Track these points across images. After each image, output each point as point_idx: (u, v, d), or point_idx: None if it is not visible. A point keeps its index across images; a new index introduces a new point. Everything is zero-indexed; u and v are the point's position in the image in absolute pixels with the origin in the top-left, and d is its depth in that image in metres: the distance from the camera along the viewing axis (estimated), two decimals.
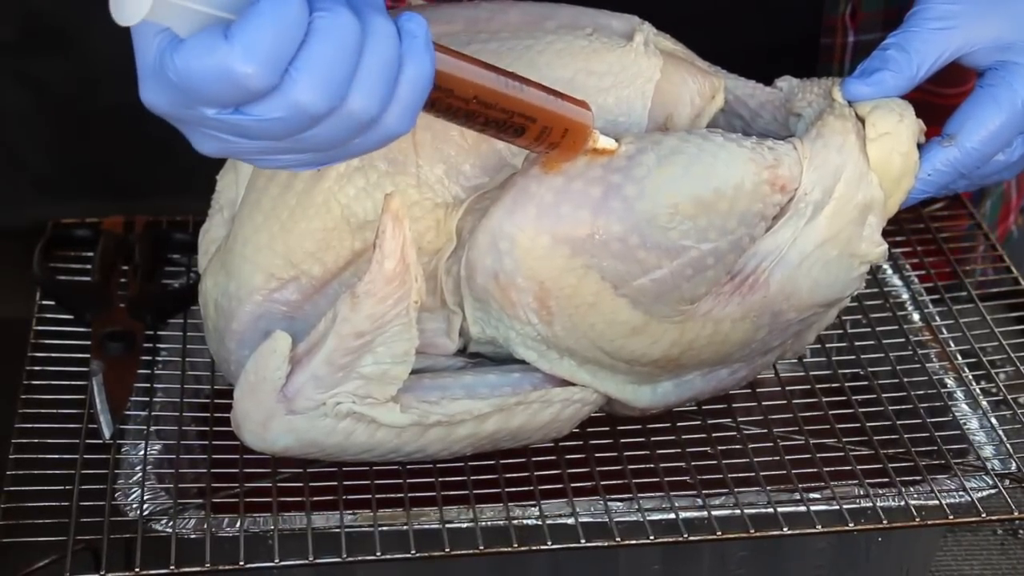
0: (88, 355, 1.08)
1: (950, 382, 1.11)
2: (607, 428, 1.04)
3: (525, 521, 0.97)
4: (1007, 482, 1.01)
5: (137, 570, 0.91)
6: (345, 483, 0.99)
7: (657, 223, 0.94)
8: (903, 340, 1.14)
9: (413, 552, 0.94)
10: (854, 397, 1.08)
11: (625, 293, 0.95)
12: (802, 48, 1.27)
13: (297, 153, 0.81)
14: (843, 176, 0.98)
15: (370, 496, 0.98)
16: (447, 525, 0.96)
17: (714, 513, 0.97)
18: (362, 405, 0.93)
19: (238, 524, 0.96)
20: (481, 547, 0.94)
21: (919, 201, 1.04)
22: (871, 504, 0.99)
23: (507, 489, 0.99)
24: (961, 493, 1.00)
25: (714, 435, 1.04)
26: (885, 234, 1.02)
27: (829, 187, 0.98)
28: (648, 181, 0.94)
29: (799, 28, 1.27)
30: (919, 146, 1.01)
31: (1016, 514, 0.99)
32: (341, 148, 0.81)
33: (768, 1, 1.26)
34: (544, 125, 0.89)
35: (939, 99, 1.19)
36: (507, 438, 0.98)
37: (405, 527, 0.96)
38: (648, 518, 0.97)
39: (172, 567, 0.92)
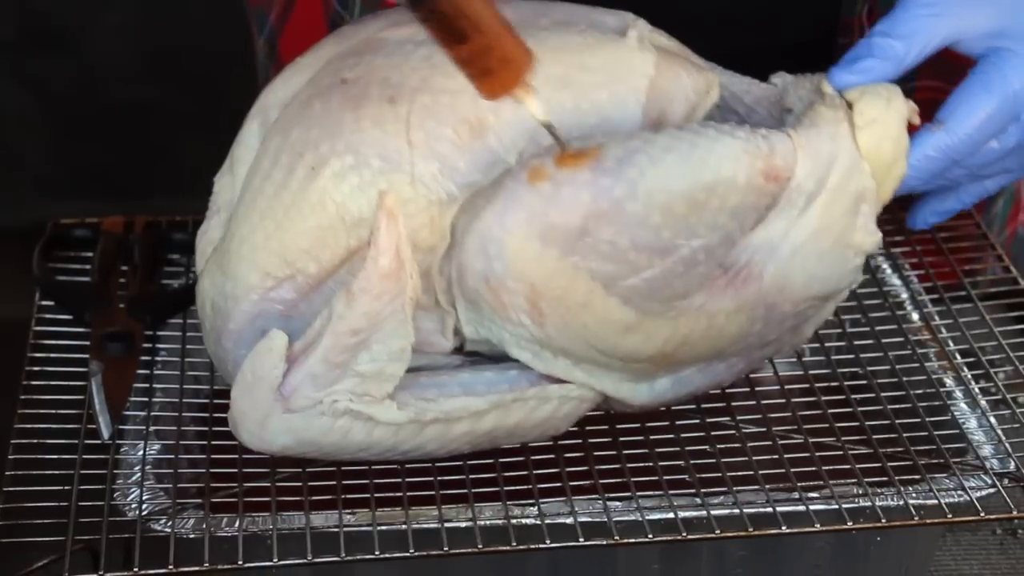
0: (87, 355, 1.08)
1: (949, 381, 1.11)
2: (606, 427, 1.04)
3: (524, 520, 0.97)
4: (1006, 481, 1.01)
5: (136, 570, 0.91)
6: (344, 483, 0.99)
7: (648, 224, 0.93)
8: (902, 339, 1.14)
9: (412, 551, 0.94)
10: (853, 396, 1.08)
11: (616, 292, 0.94)
12: (819, 48, 1.27)
13: None
14: (836, 165, 0.98)
15: (369, 495, 0.98)
16: (446, 524, 0.96)
17: (713, 512, 0.97)
18: (359, 403, 0.93)
19: (237, 524, 0.96)
20: (480, 546, 0.94)
21: (913, 190, 1.04)
22: (870, 503, 0.99)
23: (506, 488, 0.99)
24: (960, 492, 1.00)
25: (713, 434, 1.04)
26: (884, 234, 1.02)
27: (822, 177, 0.98)
28: (640, 183, 0.93)
29: (816, 28, 1.27)
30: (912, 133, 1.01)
31: (1015, 513, 0.99)
32: None
33: (785, 1, 1.26)
34: (487, 43, 0.87)
35: (945, 96, 1.19)
36: (504, 435, 0.98)
37: (404, 526, 0.96)
38: (647, 517, 0.97)
39: (171, 567, 0.92)
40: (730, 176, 0.95)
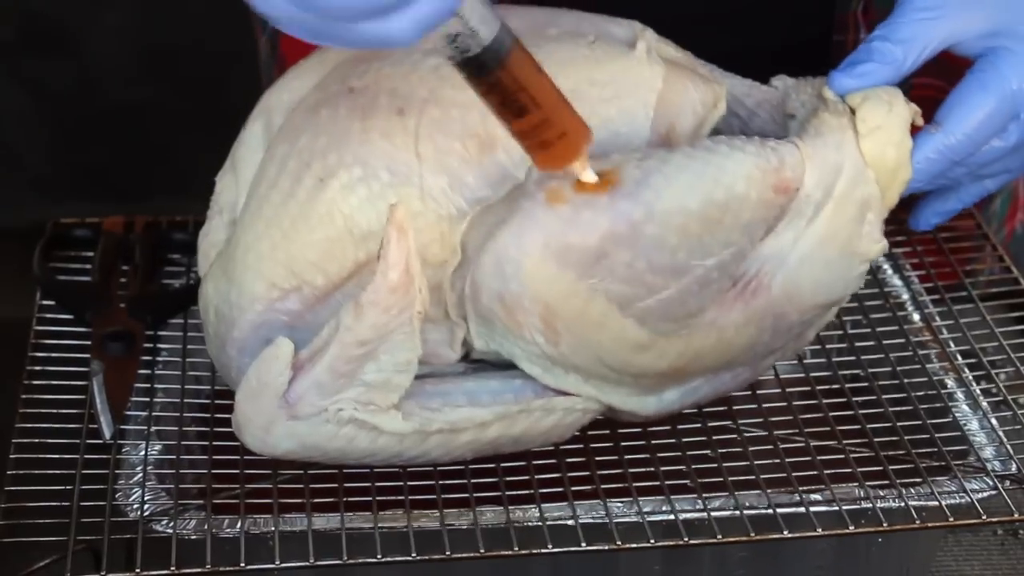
0: (88, 355, 1.08)
1: (950, 383, 1.11)
2: (607, 431, 1.04)
3: (525, 523, 0.97)
4: (1007, 483, 1.01)
5: (137, 571, 0.91)
6: (346, 485, 0.99)
7: (665, 246, 0.93)
8: (903, 341, 1.14)
9: (414, 554, 0.94)
10: (854, 398, 1.08)
11: (631, 313, 0.94)
12: (815, 45, 1.27)
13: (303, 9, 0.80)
14: (842, 174, 0.98)
15: (371, 498, 0.98)
16: (447, 527, 0.96)
17: (714, 515, 0.97)
18: (364, 412, 0.93)
19: (239, 525, 0.96)
20: (482, 549, 0.94)
21: (915, 191, 1.04)
22: (871, 505, 0.99)
23: (507, 492, 0.99)
24: (961, 494, 0.99)
25: (714, 437, 1.04)
26: (886, 235, 1.01)
27: (829, 186, 0.98)
28: (657, 205, 0.93)
29: (812, 25, 1.27)
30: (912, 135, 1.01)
31: (1016, 515, 0.99)
32: (340, 25, 0.80)
33: None
34: (546, 117, 0.88)
35: (941, 94, 1.19)
36: (508, 444, 0.98)
37: (405, 529, 0.96)
38: (648, 520, 0.97)
39: (172, 568, 0.92)
40: (743, 193, 0.95)
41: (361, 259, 0.96)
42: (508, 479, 0.99)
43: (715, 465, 1.01)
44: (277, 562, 0.93)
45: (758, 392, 1.08)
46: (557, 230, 0.93)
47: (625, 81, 1.00)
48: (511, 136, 0.91)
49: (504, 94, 0.87)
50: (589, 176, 0.92)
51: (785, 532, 0.96)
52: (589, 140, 0.91)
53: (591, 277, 0.93)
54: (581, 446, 1.02)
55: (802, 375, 1.11)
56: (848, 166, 0.98)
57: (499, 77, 0.86)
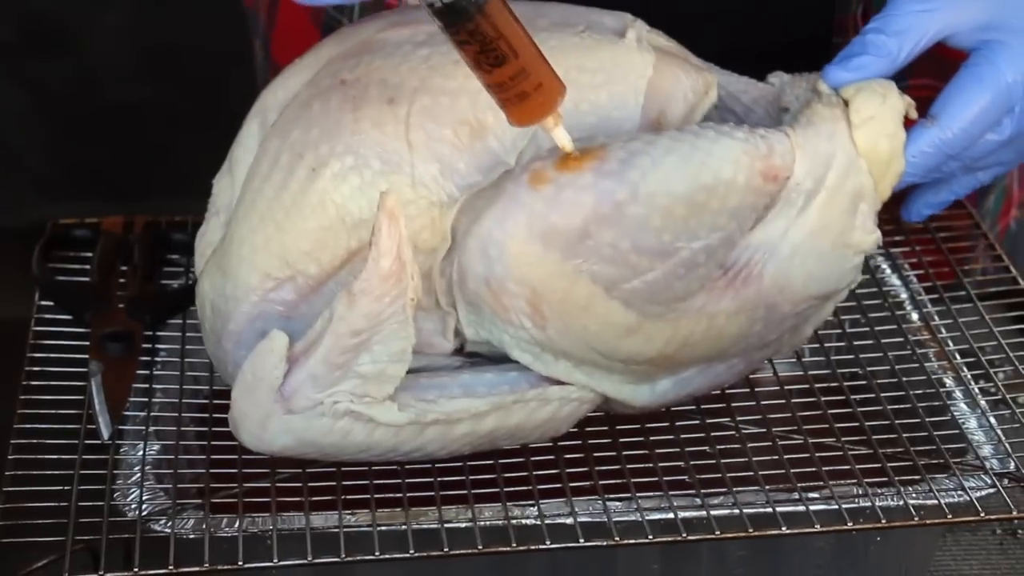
0: (87, 355, 1.08)
1: (949, 381, 1.11)
2: (606, 428, 1.04)
3: (524, 521, 0.97)
4: (1006, 481, 1.01)
5: (136, 570, 0.91)
6: (344, 483, 0.99)
7: (649, 227, 0.93)
8: (902, 340, 1.14)
9: (412, 552, 0.94)
10: (853, 396, 1.08)
11: (617, 295, 0.94)
12: (814, 47, 1.27)
13: None
14: (834, 164, 0.98)
15: (369, 496, 0.98)
16: (446, 525, 0.96)
17: (713, 513, 0.97)
18: (359, 404, 0.93)
19: (237, 524, 0.96)
20: (480, 547, 0.94)
21: (909, 184, 1.04)
22: (870, 504, 0.98)
23: (506, 489, 0.99)
24: (960, 492, 0.99)
25: (713, 434, 1.04)
26: (884, 234, 1.01)
27: (820, 176, 0.98)
28: (642, 185, 0.93)
29: (811, 27, 1.27)
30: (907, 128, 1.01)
31: (1015, 513, 0.99)
32: None
33: (780, 0, 1.26)
34: (523, 67, 0.88)
35: (936, 93, 1.19)
36: (505, 436, 0.98)
37: (404, 527, 0.96)
38: (647, 518, 0.97)
39: (171, 567, 0.92)
40: (730, 177, 0.95)
41: (353, 247, 0.96)
42: (506, 476, 0.99)
43: (714, 463, 1.01)
44: (275, 560, 0.93)
45: (756, 390, 1.08)
46: (540, 211, 0.93)
47: (615, 68, 1.00)
48: (486, 89, 0.90)
49: (482, 42, 0.87)
50: (563, 135, 0.92)
51: (784, 529, 0.96)
52: (563, 94, 0.91)
53: (576, 258, 0.93)
54: (579, 443, 1.03)
55: (801, 373, 1.11)
56: (840, 156, 0.98)
57: (478, 23, 0.86)
